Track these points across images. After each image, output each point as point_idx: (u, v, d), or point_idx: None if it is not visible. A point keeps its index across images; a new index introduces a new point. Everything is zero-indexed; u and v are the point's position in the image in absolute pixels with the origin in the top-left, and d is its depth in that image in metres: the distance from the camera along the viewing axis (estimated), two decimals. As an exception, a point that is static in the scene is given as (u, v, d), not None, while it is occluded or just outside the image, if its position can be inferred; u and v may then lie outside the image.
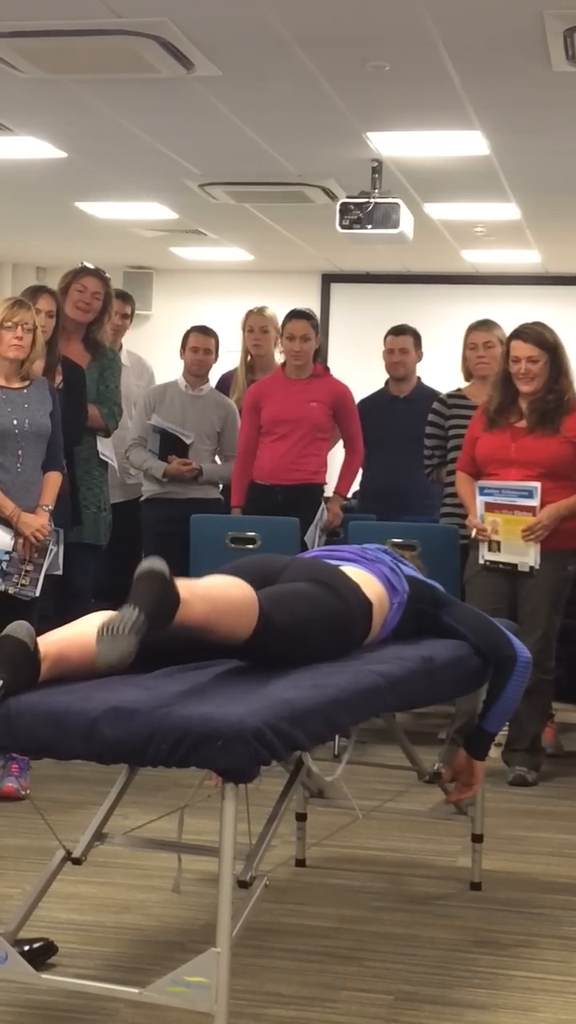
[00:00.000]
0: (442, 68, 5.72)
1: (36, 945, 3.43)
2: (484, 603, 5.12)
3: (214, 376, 7.39)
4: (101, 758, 2.87)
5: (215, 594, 3.05)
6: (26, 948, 3.38)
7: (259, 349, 7.33)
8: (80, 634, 3.09)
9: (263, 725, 2.77)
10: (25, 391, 5.12)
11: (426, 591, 3.83)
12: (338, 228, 7.26)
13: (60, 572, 5.27)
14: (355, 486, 7.00)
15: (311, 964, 3.57)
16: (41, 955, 3.44)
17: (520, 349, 5.46)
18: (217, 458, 6.98)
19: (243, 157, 7.42)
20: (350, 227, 7.23)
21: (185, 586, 2.94)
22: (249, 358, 7.37)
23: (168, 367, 7.33)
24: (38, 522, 5.05)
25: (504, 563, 5.47)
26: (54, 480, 5.19)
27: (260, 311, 7.38)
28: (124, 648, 2.70)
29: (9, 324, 5.02)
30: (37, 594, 5.06)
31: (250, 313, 7.39)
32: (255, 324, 7.33)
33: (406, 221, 7.32)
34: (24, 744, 2.92)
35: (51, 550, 5.13)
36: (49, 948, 3.50)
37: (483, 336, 6.32)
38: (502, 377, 5.57)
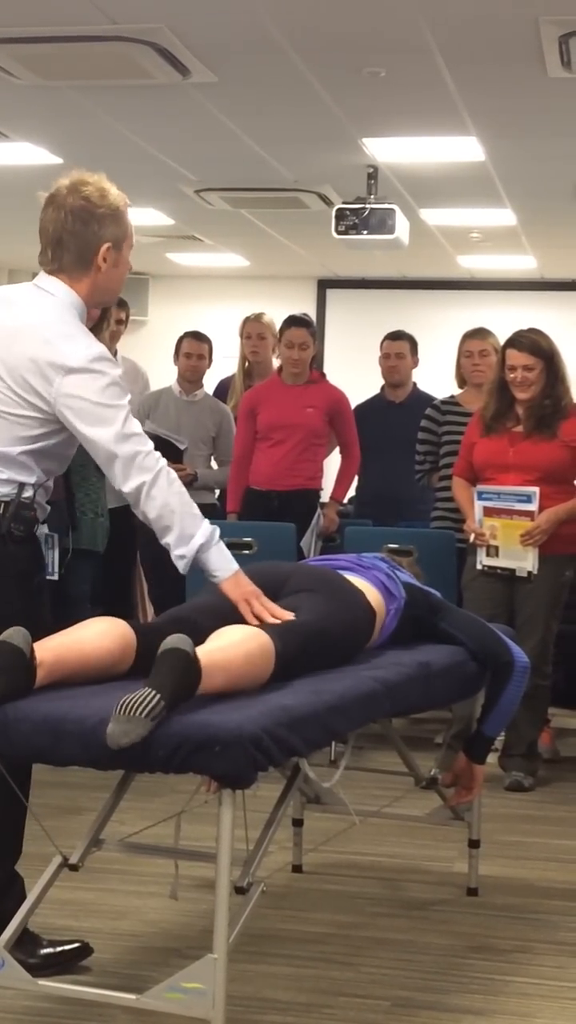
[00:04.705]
0: (438, 74, 5.73)
1: (68, 947, 3.47)
2: (482, 608, 5.12)
3: (212, 381, 7.39)
4: (98, 764, 2.87)
5: (231, 657, 2.99)
6: (58, 950, 3.42)
7: (257, 356, 7.33)
8: (77, 640, 3.09)
9: (261, 731, 2.77)
10: None
11: (423, 597, 3.82)
12: (334, 234, 7.28)
13: (56, 577, 5.26)
14: (351, 491, 6.99)
15: (308, 970, 3.57)
16: (75, 957, 3.46)
17: (515, 358, 5.46)
18: (213, 463, 6.98)
19: (239, 163, 7.43)
20: (346, 233, 7.24)
21: (204, 653, 2.90)
22: (247, 364, 7.37)
23: (165, 373, 7.32)
24: None
25: (502, 568, 5.46)
26: None
27: (258, 317, 7.38)
28: (139, 732, 2.70)
29: None
30: None
31: (248, 320, 7.39)
32: (253, 331, 7.33)
33: (402, 227, 7.33)
34: (21, 751, 2.92)
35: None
36: (84, 950, 3.51)
37: (478, 344, 6.35)
38: (498, 384, 5.56)
